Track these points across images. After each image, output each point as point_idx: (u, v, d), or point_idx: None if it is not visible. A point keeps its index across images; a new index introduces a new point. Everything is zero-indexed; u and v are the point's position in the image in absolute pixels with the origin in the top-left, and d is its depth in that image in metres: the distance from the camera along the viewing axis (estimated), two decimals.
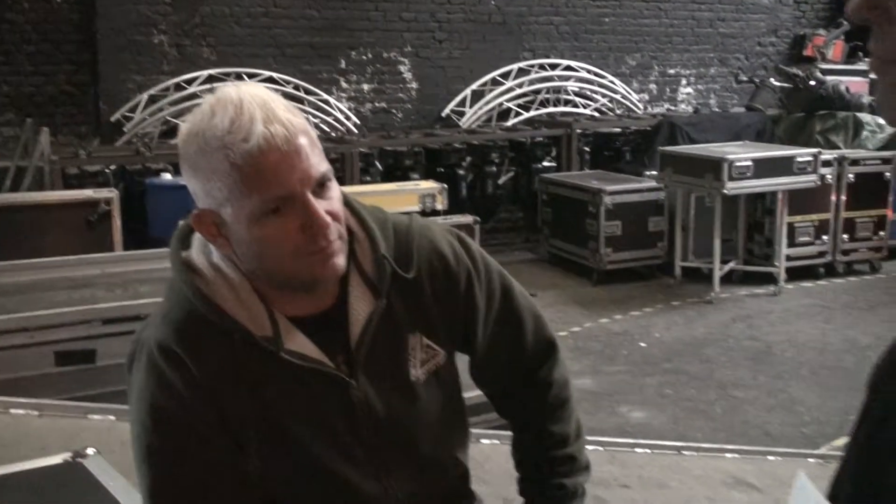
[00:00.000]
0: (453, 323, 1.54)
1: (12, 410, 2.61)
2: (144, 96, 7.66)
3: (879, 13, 0.73)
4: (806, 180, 6.82)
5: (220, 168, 1.30)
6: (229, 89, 1.33)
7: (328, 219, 1.34)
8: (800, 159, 6.82)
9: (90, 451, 1.92)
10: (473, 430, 2.16)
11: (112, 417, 2.59)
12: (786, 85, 8.74)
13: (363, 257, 1.47)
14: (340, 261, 1.38)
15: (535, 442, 1.66)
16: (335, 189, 1.39)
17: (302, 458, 1.41)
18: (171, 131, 7.74)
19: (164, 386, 1.35)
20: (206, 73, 7.79)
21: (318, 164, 1.34)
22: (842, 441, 4.38)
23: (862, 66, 9.72)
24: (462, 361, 1.62)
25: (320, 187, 1.35)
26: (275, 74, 8.05)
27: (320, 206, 1.34)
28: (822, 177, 7.01)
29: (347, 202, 1.47)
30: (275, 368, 1.38)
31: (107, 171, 6.77)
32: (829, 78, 8.66)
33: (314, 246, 1.34)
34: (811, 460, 3.18)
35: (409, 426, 1.50)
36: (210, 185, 1.32)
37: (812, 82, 8.43)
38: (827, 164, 7.13)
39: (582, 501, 1.67)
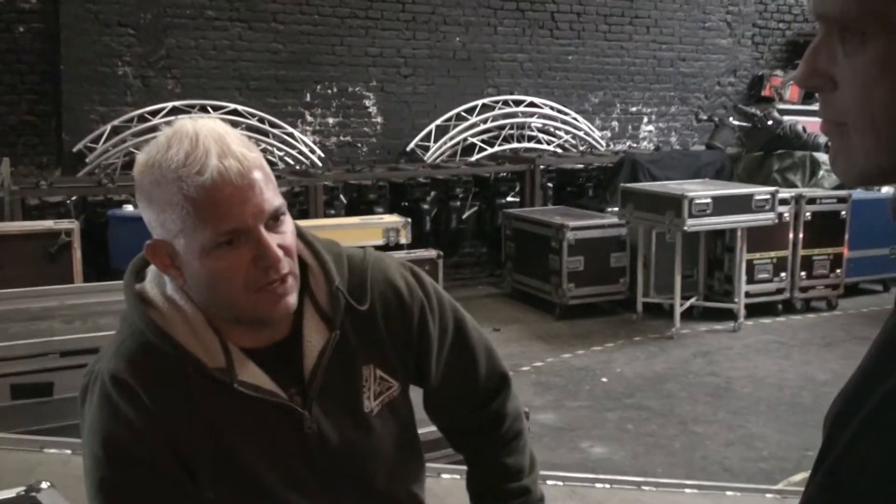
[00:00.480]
0: (407, 355, 1.55)
1: None
2: (108, 127, 7.62)
3: (824, 81, 0.78)
4: (764, 218, 6.93)
5: (174, 200, 1.31)
6: (186, 122, 1.35)
7: (280, 252, 1.35)
8: (758, 197, 6.94)
9: (44, 484, 1.90)
10: (434, 465, 2.17)
11: (68, 451, 2.55)
12: (744, 124, 8.90)
13: (317, 289, 1.48)
14: (292, 299, 1.39)
15: (489, 475, 1.68)
16: (288, 223, 1.40)
17: (255, 489, 1.41)
18: (133, 163, 7.68)
19: (117, 417, 1.35)
20: (170, 104, 7.77)
21: (272, 198, 1.36)
22: (800, 476, 4.43)
23: (817, 107, 9.93)
24: (417, 396, 1.63)
25: (274, 221, 1.37)
26: (240, 107, 8.06)
27: (273, 239, 1.35)
28: (780, 215, 7.13)
29: (301, 235, 1.49)
30: (228, 400, 1.39)
31: (68, 202, 6.71)
32: (786, 118, 8.84)
33: (265, 279, 1.35)
34: (769, 496, 3.20)
35: (363, 458, 1.50)
36: (164, 217, 1.34)
37: (770, 122, 8.60)
38: (784, 202, 7.26)
39: None
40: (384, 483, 1.53)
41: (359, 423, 1.49)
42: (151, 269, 1.45)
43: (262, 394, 1.41)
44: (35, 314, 3.69)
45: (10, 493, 1.87)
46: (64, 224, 5.52)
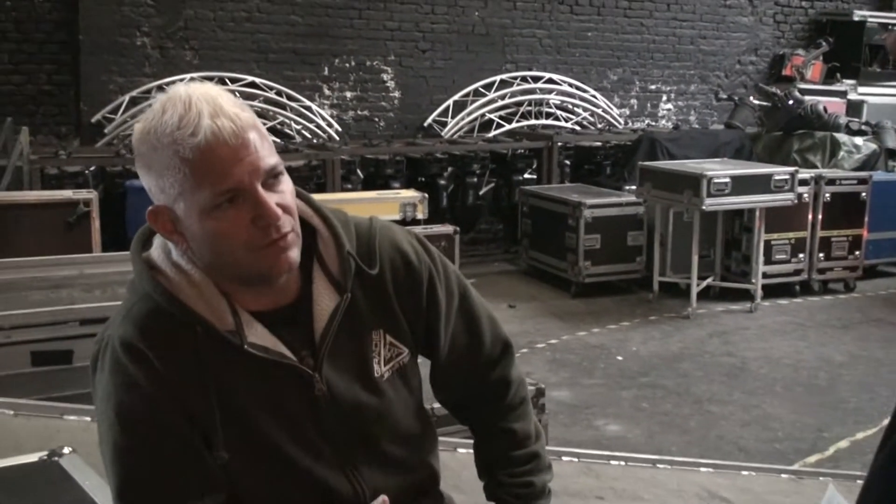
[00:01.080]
0: (416, 322, 1.57)
1: None
2: (126, 98, 7.63)
3: None
4: (783, 198, 6.88)
5: (171, 164, 1.32)
6: (179, 87, 1.36)
7: (279, 211, 1.36)
8: (777, 177, 6.88)
9: (66, 449, 1.92)
10: (450, 440, 2.16)
11: (88, 418, 2.56)
12: (765, 103, 8.82)
13: (327, 254, 1.49)
14: (294, 254, 1.40)
15: (498, 442, 1.68)
16: (287, 183, 1.41)
17: (267, 451, 1.42)
18: None
19: (128, 383, 1.36)
20: (188, 76, 7.75)
21: (267, 157, 1.36)
22: (815, 457, 4.43)
23: (840, 87, 9.85)
24: (423, 370, 1.64)
25: (272, 180, 1.37)
26: (257, 80, 8.05)
27: (271, 198, 1.36)
28: (799, 195, 7.07)
29: (309, 201, 1.51)
30: (238, 361, 1.40)
31: (86, 172, 6.73)
32: (807, 98, 8.76)
33: (266, 238, 1.36)
34: (784, 476, 3.20)
35: (373, 422, 1.51)
36: (163, 182, 1.35)
37: (790, 102, 8.52)
38: (804, 182, 7.20)
39: (548, 500, 1.69)
40: (395, 448, 1.54)
41: (369, 387, 1.50)
42: (158, 238, 1.46)
43: (272, 355, 1.41)
44: (55, 282, 3.71)
45: (32, 458, 1.89)
46: (82, 194, 5.53)
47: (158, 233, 1.42)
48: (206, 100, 1.33)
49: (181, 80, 7.56)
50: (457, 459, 2.56)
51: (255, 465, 1.42)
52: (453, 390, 1.70)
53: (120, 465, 1.37)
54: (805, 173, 7.34)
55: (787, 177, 6.91)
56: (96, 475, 1.84)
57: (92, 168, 6.80)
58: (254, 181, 1.34)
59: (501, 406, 1.68)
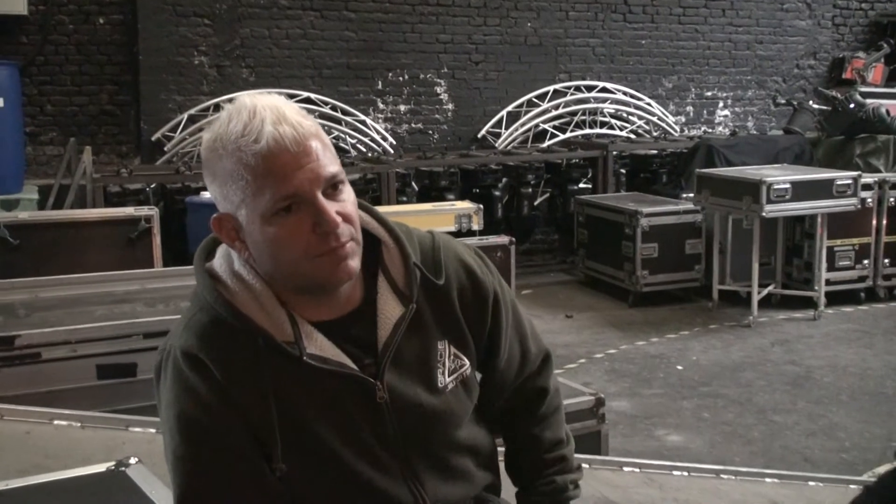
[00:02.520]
0: (479, 334, 1.57)
1: (55, 422, 2.64)
2: (184, 116, 7.77)
3: None
4: (846, 203, 6.75)
5: (234, 171, 1.35)
6: (245, 97, 1.40)
7: (338, 219, 1.37)
8: (839, 182, 6.75)
9: (133, 460, 1.95)
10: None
11: (152, 430, 2.61)
12: (825, 108, 8.66)
13: (391, 264, 1.50)
14: (354, 263, 1.41)
15: (528, 449, 1.69)
16: (348, 192, 1.42)
17: (326, 461, 1.42)
18: None
19: (189, 393, 1.38)
20: (244, 93, 7.85)
21: (329, 165, 1.37)
22: (884, 468, 4.31)
23: None
24: None
25: (332, 189, 1.38)
26: (312, 95, 8.13)
27: (331, 207, 1.36)
28: (863, 200, 6.93)
29: (373, 212, 1.52)
30: (297, 372, 1.40)
31: (147, 189, 6.86)
32: (869, 101, 8.56)
33: (325, 246, 1.37)
34: (853, 487, 3.12)
35: (436, 432, 1.51)
36: (226, 189, 1.37)
37: (851, 105, 8.34)
38: (867, 187, 7.05)
39: (573, 496, 1.69)
40: (458, 460, 1.54)
41: (433, 396, 1.50)
42: (220, 248, 1.49)
43: (331, 365, 1.42)
44: (118, 297, 3.79)
45: (100, 468, 1.93)
46: (144, 210, 5.62)
47: (222, 241, 1.44)
48: (269, 108, 1.36)
49: (237, 97, 7.75)
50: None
51: (314, 475, 1.42)
52: (499, 398, 1.70)
53: (180, 472, 1.38)
54: (868, 178, 7.18)
55: (849, 182, 6.77)
56: (162, 485, 1.86)
57: (152, 185, 6.94)
58: (314, 188, 1.35)
59: (536, 415, 1.69)
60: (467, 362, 1.55)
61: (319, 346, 1.42)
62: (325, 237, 1.36)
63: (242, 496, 1.39)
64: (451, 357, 1.53)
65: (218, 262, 1.47)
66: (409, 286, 1.48)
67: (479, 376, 1.63)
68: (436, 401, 1.50)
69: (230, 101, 1.44)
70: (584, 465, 2.10)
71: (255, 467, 1.39)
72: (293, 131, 1.34)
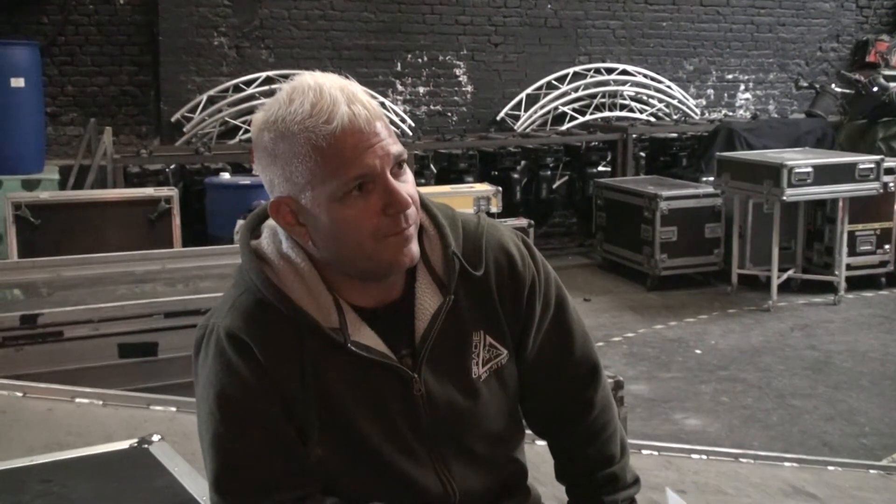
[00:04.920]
0: (514, 324, 1.54)
1: (77, 399, 2.67)
2: (204, 97, 7.78)
3: None
4: (868, 188, 6.69)
5: (300, 152, 1.32)
6: (305, 76, 1.38)
7: (409, 199, 1.36)
8: (862, 166, 6.69)
9: (155, 437, 1.97)
10: (528, 431, 2.14)
11: (173, 409, 2.63)
12: (847, 91, 8.58)
13: (432, 253, 1.48)
14: (416, 247, 1.40)
15: (575, 465, 1.65)
16: (409, 174, 1.41)
17: (361, 449, 1.42)
18: (229, 132, 7.85)
19: (230, 373, 1.37)
20: (264, 74, 7.89)
21: (394, 144, 1.36)
22: None
23: None
24: None
25: (398, 168, 1.37)
26: None
27: (402, 188, 1.36)
28: (885, 184, 6.87)
29: (419, 197, 1.47)
30: (339, 359, 1.40)
31: (167, 170, 6.90)
32: (892, 84, 8.48)
33: (395, 227, 1.36)
34: (872, 471, 3.11)
35: (468, 423, 1.50)
36: (289, 171, 1.34)
37: (875, 88, 8.26)
38: (890, 171, 6.98)
39: None
40: (487, 449, 1.53)
41: (466, 388, 1.49)
42: (267, 226, 1.47)
43: (374, 355, 1.41)
44: (139, 277, 3.81)
45: (124, 445, 1.95)
46: (164, 191, 5.66)
47: (280, 225, 1.41)
48: (338, 87, 1.35)
49: (256, 78, 7.77)
50: (536, 452, 2.55)
51: (348, 462, 1.42)
52: (532, 401, 1.65)
53: (217, 451, 1.38)
54: (891, 162, 7.11)
55: (872, 166, 6.71)
56: (185, 462, 1.88)
57: (172, 166, 6.97)
58: (385, 167, 1.34)
59: (579, 429, 1.63)
60: (504, 352, 1.52)
61: (364, 334, 1.41)
62: (395, 217, 1.35)
63: (277, 476, 1.39)
64: (487, 347, 1.51)
65: (265, 242, 1.45)
66: (448, 277, 1.46)
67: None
68: (469, 392, 1.49)
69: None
70: None
71: (292, 450, 1.39)
72: (365, 111, 1.33)
